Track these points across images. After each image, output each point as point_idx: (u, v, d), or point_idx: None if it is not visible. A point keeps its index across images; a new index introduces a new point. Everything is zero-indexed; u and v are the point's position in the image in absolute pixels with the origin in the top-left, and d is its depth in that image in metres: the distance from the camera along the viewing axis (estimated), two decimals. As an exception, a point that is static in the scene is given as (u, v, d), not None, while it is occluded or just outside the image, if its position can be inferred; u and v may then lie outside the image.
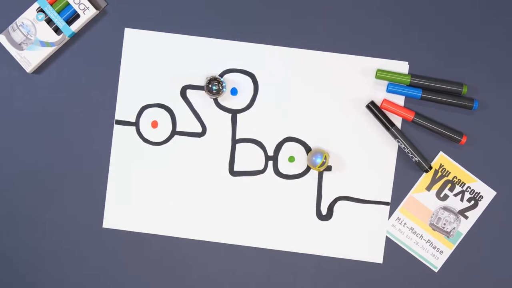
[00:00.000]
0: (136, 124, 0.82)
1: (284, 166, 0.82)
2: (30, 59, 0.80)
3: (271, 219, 0.81)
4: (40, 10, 0.80)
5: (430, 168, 0.79)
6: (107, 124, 0.82)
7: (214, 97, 0.76)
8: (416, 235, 0.81)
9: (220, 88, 0.74)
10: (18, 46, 0.80)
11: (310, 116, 0.81)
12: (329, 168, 0.81)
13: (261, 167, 0.82)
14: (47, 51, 0.80)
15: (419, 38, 0.81)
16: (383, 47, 0.81)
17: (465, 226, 0.81)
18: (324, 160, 0.75)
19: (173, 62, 0.81)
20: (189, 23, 0.81)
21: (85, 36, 0.82)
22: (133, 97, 0.81)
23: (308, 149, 0.81)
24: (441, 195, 0.81)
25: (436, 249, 0.81)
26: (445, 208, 0.81)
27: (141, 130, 0.82)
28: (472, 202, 0.81)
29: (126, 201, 0.82)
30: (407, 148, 0.79)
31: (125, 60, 0.81)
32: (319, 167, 0.75)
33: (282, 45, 0.81)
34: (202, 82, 0.81)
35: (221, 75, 0.81)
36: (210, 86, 0.74)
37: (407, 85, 0.80)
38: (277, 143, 0.82)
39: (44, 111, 0.82)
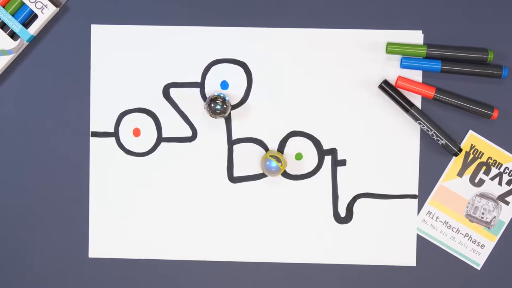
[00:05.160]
0: (115, 134, 0.81)
1: (291, 165, 0.80)
2: (-15, 71, 0.79)
3: (282, 228, 0.80)
4: (-9, 14, 0.79)
5: (460, 150, 0.78)
6: (82, 138, 0.80)
7: (219, 118, 0.77)
8: (452, 230, 0.80)
9: (225, 106, 0.75)
10: (-30, 58, 0.78)
11: (316, 104, 0.80)
12: (343, 163, 0.80)
13: (265, 169, 0.81)
14: (5, 61, 0.78)
15: (432, 0, 0.79)
16: (391, 15, 0.79)
17: (507, 213, 0.79)
18: (281, 163, 0.76)
19: (151, 59, 0.80)
20: (165, 11, 0.80)
21: (46, 38, 0.80)
22: (108, 103, 0.80)
23: (316, 142, 0.80)
24: (476, 181, 0.79)
25: (476, 243, 0.80)
26: (482, 195, 0.79)
27: (122, 140, 0.81)
28: (513, 184, 0.80)
29: (113, 224, 0.81)
30: (431, 130, 0.77)
31: (95, 62, 0.80)
32: (279, 170, 0.76)
33: (275, 26, 0.79)
34: (186, 78, 0.80)
35: (208, 67, 0.80)
36: (212, 105, 0.75)
37: (423, 58, 0.78)
38: (280, 139, 0.81)
39: (8, 130, 0.80)
